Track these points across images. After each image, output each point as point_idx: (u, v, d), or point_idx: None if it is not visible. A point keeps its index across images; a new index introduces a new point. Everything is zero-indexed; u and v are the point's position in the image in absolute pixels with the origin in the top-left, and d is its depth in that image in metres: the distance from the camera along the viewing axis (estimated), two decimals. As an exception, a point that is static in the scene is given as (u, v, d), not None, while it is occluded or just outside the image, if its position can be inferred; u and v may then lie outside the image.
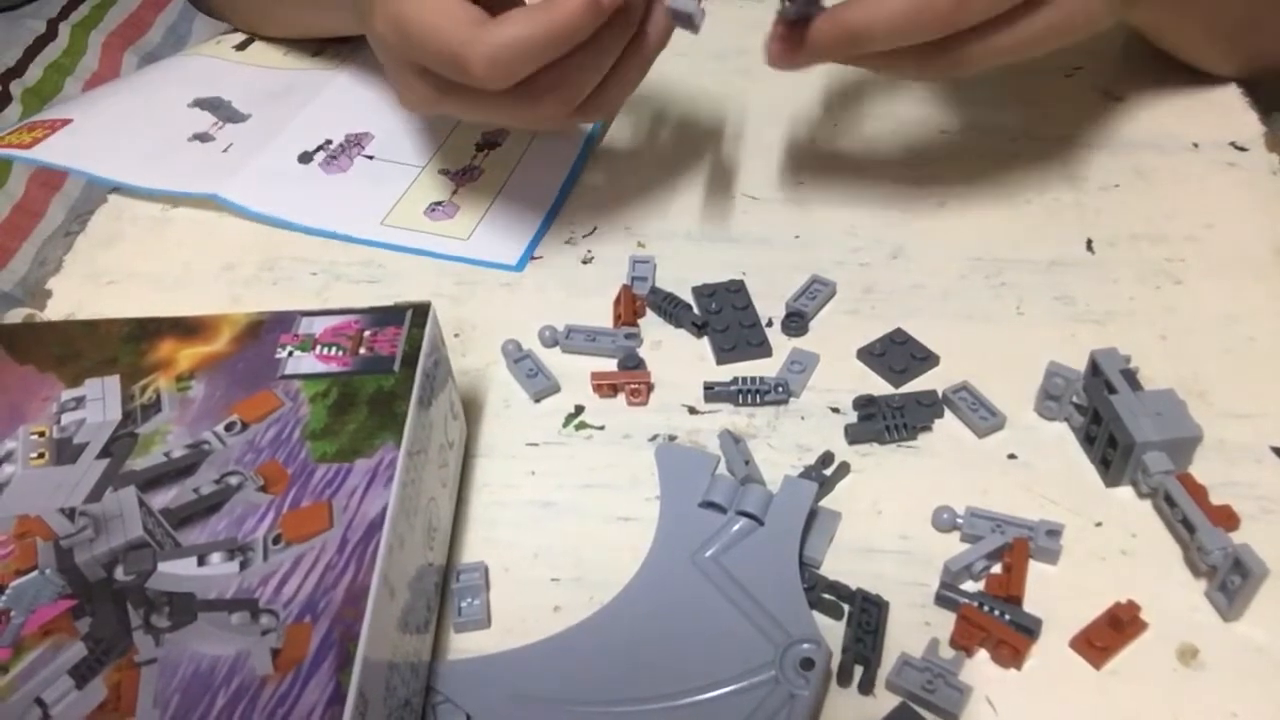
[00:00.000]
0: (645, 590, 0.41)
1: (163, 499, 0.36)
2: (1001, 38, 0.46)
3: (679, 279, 0.54)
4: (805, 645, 0.38)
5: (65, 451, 0.38)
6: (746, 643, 0.38)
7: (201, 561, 0.35)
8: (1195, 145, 0.59)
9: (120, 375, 0.41)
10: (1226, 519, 0.41)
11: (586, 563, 0.43)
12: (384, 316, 0.42)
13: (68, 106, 0.68)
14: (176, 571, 0.34)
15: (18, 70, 0.91)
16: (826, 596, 0.41)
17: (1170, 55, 0.62)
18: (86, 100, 0.70)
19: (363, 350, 0.41)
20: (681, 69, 0.68)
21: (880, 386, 0.49)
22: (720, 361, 0.50)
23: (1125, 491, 0.44)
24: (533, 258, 0.56)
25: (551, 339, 0.51)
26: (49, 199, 0.86)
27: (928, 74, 0.49)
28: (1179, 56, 0.61)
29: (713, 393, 0.48)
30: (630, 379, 0.48)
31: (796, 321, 0.51)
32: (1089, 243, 0.54)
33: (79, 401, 0.40)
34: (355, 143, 0.63)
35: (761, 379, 0.48)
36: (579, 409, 0.49)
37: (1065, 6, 0.47)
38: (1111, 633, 0.39)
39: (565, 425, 0.48)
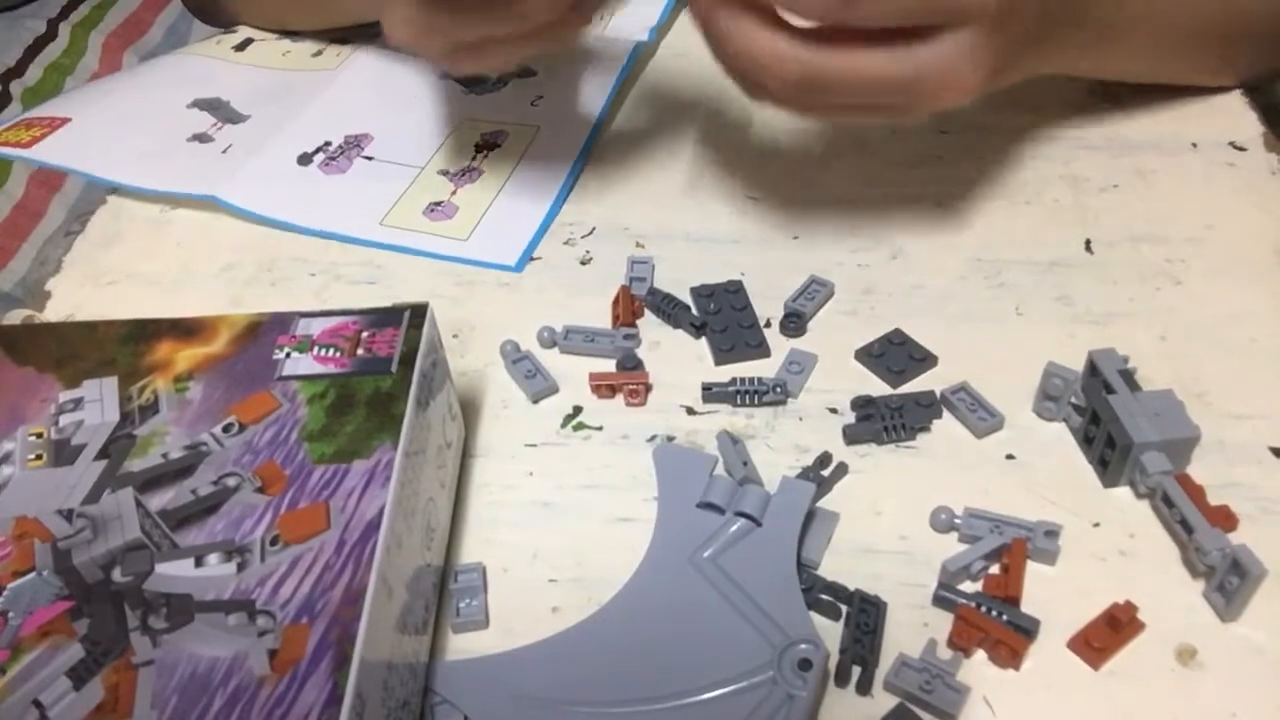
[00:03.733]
0: (643, 591, 0.41)
1: (160, 500, 0.36)
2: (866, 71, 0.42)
3: (677, 279, 0.54)
4: (803, 646, 0.38)
5: (63, 453, 0.38)
6: (744, 643, 0.38)
7: (199, 563, 0.35)
8: (1194, 145, 0.59)
9: (118, 376, 0.41)
10: (1225, 519, 0.41)
11: (585, 563, 0.43)
12: (382, 317, 0.42)
13: (66, 103, 0.68)
14: (174, 573, 0.34)
15: (18, 70, 0.91)
16: (824, 597, 0.41)
17: None
18: (85, 97, 0.69)
19: (360, 351, 0.41)
20: (681, 70, 0.68)
21: (879, 387, 0.49)
22: (718, 362, 0.50)
23: (1123, 492, 0.44)
24: (532, 258, 0.56)
25: (550, 340, 0.51)
26: (49, 199, 0.86)
27: (888, 119, 0.45)
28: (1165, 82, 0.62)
29: (711, 393, 0.48)
30: (628, 380, 0.48)
31: (795, 322, 0.51)
32: (1088, 243, 0.54)
33: (77, 403, 0.40)
34: (354, 144, 0.63)
35: (760, 379, 0.48)
36: (577, 410, 0.49)
37: (948, 53, 0.42)
38: (1109, 633, 0.39)
39: (564, 426, 0.48)
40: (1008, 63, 0.46)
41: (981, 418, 0.46)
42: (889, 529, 0.43)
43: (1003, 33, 0.43)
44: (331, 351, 0.41)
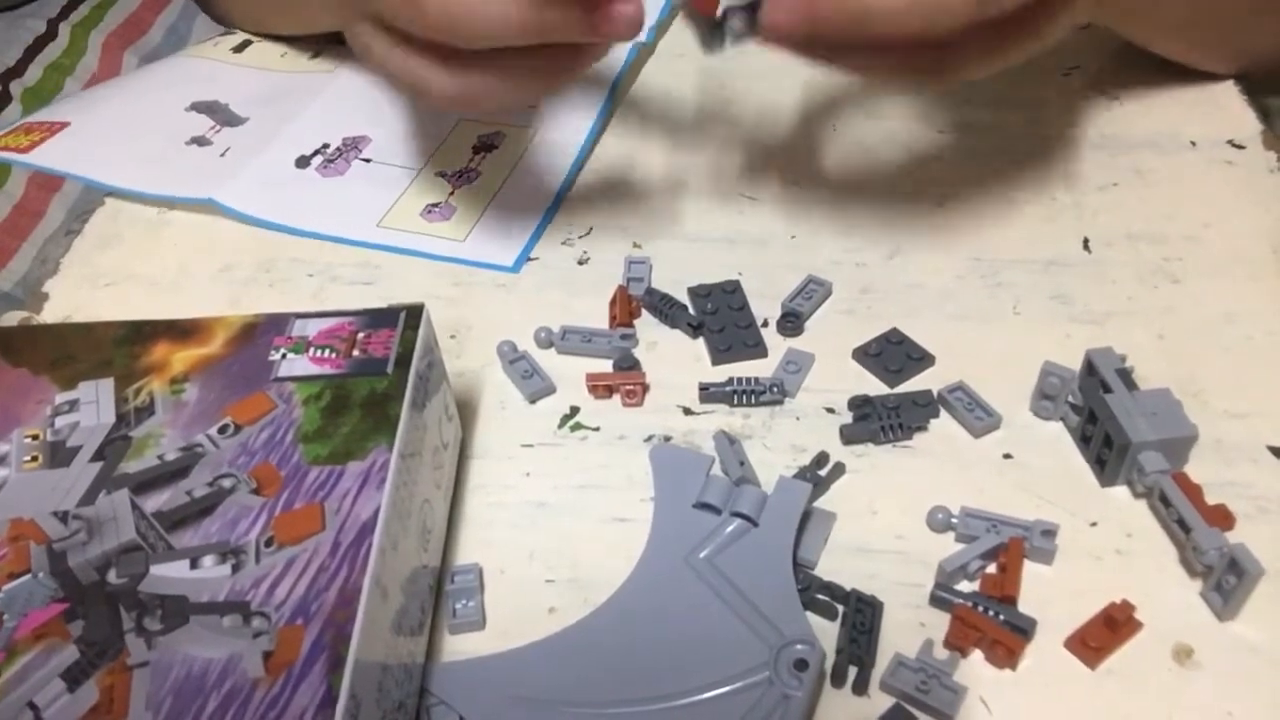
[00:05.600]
0: (640, 592, 0.41)
1: (156, 502, 0.36)
2: (1005, 48, 0.43)
3: (675, 280, 0.54)
4: (799, 646, 0.38)
5: (59, 454, 0.38)
6: (740, 644, 0.38)
7: (194, 564, 0.35)
8: (1193, 144, 0.59)
9: (114, 378, 0.41)
10: (1222, 519, 0.41)
11: (581, 564, 0.43)
12: (378, 318, 0.42)
13: (65, 108, 0.68)
14: (169, 574, 0.34)
15: (18, 70, 0.91)
16: (821, 597, 0.41)
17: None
18: (84, 102, 0.70)
19: (356, 352, 0.41)
20: (679, 70, 0.68)
21: (876, 387, 0.49)
22: (716, 362, 0.50)
23: (1121, 491, 0.44)
24: (529, 259, 0.56)
25: (547, 340, 0.51)
26: (49, 199, 0.86)
27: (915, 85, 0.46)
28: (1169, 57, 0.61)
29: (708, 393, 0.48)
30: (626, 380, 0.48)
31: (792, 322, 0.51)
32: (1086, 242, 0.54)
33: (73, 404, 0.40)
34: (352, 146, 0.63)
35: (757, 379, 0.48)
36: (574, 410, 0.49)
37: (1071, 9, 0.44)
38: (1106, 633, 0.39)
39: (561, 426, 0.48)
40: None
41: (979, 417, 0.46)
42: (886, 529, 0.43)
43: None
44: (327, 352, 0.41)
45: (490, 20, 0.41)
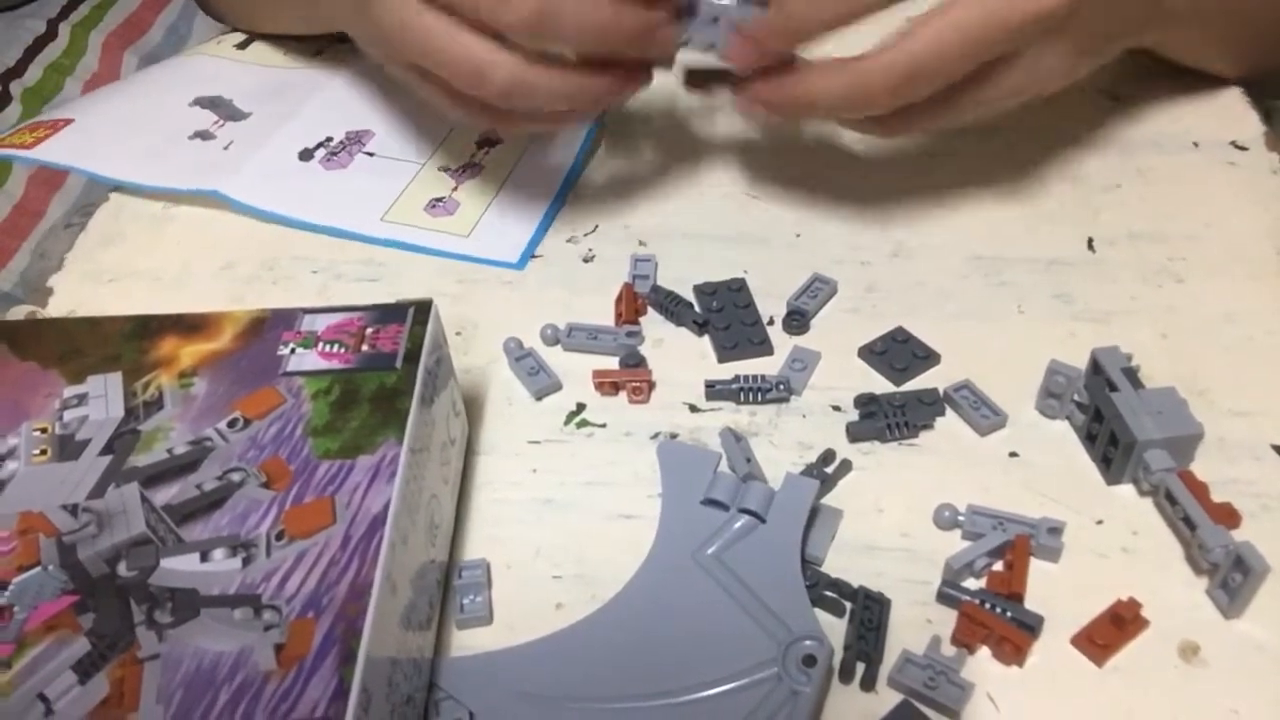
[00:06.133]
0: (647, 588, 0.41)
1: (165, 495, 0.36)
2: (955, 108, 0.47)
3: (680, 277, 0.54)
4: (807, 642, 0.38)
5: (68, 448, 0.38)
6: (748, 640, 0.38)
7: (204, 557, 0.35)
8: (1196, 145, 0.59)
9: (122, 372, 0.41)
10: (1227, 516, 0.41)
11: (588, 560, 0.43)
12: (386, 314, 0.42)
13: (68, 107, 0.68)
14: (179, 567, 0.34)
15: (18, 70, 0.90)
16: (828, 594, 0.41)
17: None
18: (87, 101, 0.70)
19: (365, 347, 0.41)
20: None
21: (881, 385, 0.49)
22: (721, 359, 0.50)
23: (1126, 489, 0.44)
24: (534, 256, 0.56)
25: (553, 337, 0.51)
26: (49, 198, 0.86)
27: (878, 135, 0.51)
28: (1182, 63, 0.61)
29: (714, 391, 0.48)
30: (632, 377, 0.49)
31: (798, 320, 0.51)
32: (1090, 241, 0.55)
33: (81, 398, 0.40)
34: (355, 140, 0.63)
35: (763, 377, 0.48)
36: (580, 407, 0.49)
37: (1030, 67, 0.47)
38: (1113, 630, 0.39)
39: (567, 423, 0.48)
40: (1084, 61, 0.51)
41: (984, 415, 0.46)
42: (892, 526, 0.43)
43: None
44: (336, 347, 0.41)
45: (580, 23, 0.44)
